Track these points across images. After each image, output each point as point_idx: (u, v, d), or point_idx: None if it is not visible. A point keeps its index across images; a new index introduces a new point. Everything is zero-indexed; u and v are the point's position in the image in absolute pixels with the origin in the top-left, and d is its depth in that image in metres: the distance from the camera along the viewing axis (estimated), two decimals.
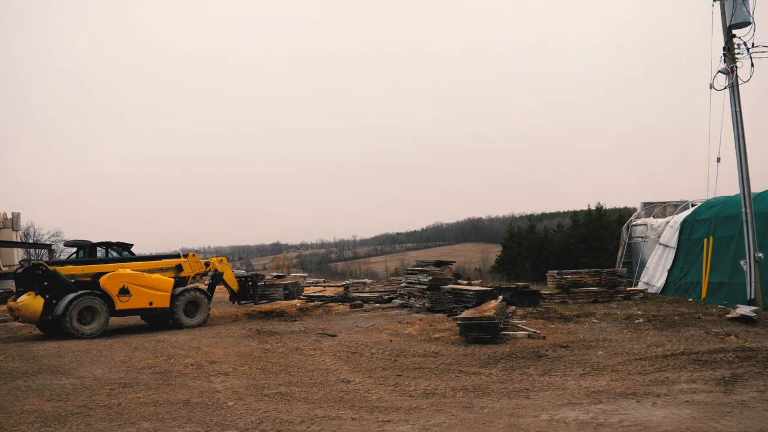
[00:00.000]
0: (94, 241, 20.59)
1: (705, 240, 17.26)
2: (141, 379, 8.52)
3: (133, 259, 15.96)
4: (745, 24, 13.85)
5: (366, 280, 30.96)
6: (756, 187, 15.10)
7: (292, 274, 33.16)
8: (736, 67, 13.95)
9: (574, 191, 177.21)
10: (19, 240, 35.12)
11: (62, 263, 14.68)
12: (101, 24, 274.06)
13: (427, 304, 15.59)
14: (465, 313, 11.65)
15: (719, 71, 14.23)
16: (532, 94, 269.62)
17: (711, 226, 17.38)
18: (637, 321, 12.72)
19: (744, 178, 14.00)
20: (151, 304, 13.67)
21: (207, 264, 16.07)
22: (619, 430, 5.56)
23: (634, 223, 23.40)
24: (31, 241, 48.46)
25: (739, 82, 13.98)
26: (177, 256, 15.44)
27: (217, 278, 16.42)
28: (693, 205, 20.65)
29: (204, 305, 14.63)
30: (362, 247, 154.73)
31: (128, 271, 13.73)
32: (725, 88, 14.18)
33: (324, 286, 25.93)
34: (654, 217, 22.77)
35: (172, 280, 14.31)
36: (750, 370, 7.95)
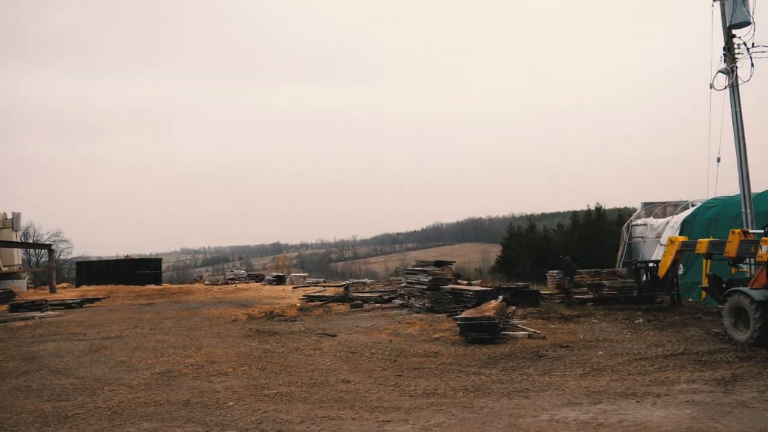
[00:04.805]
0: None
1: None
2: (141, 379, 8.52)
3: None
4: (745, 24, 13.85)
5: (366, 280, 30.97)
6: (756, 187, 15.10)
7: (291, 274, 33.19)
8: (736, 67, 13.95)
9: (574, 191, 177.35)
10: (19, 240, 35.09)
11: None
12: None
13: (427, 304, 15.59)
14: (465, 313, 11.66)
15: (719, 71, 14.23)
16: (532, 95, 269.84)
17: (711, 226, 17.36)
18: (637, 321, 12.72)
19: (744, 178, 13.99)
20: None
21: None
22: (619, 430, 5.56)
23: (634, 223, 23.37)
24: (31, 241, 48.45)
25: (739, 82, 13.98)
26: None
27: None
28: (693, 205, 20.62)
29: None
30: (362, 247, 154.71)
31: None
32: (725, 88, 14.18)
33: (324, 286, 25.94)
34: (654, 217, 22.74)
35: None
36: (750, 370, 7.95)
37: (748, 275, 11.56)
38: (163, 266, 45.99)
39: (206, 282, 36.00)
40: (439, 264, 17.85)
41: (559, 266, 16.79)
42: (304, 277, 31.89)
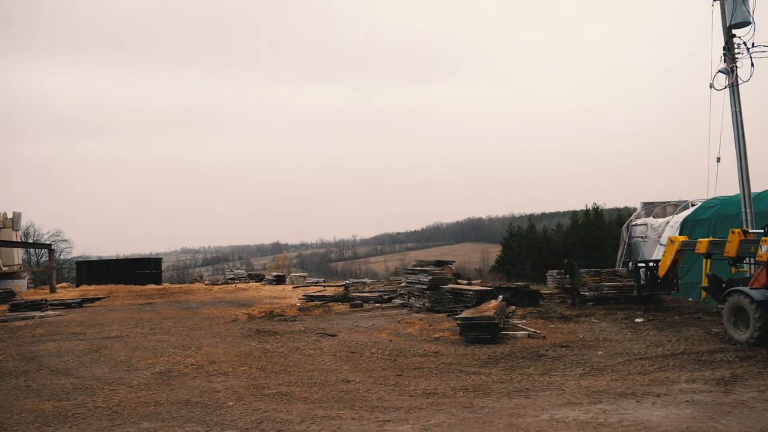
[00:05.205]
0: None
1: None
2: (141, 379, 8.52)
3: None
4: (745, 24, 13.84)
5: (366, 279, 30.91)
6: (756, 187, 15.09)
7: (291, 274, 33.18)
8: (736, 67, 13.94)
9: (574, 191, 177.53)
10: (19, 240, 35.08)
11: None
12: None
13: (427, 304, 15.58)
14: (465, 313, 11.65)
15: (719, 71, 14.22)
16: (532, 96, 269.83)
17: (711, 226, 17.35)
18: (637, 321, 12.72)
19: (744, 178, 13.98)
20: None
21: None
22: (619, 430, 5.56)
23: (634, 223, 23.36)
24: (31, 241, 48.45)
25: (739, 82, 13.96)
26: None
27: None
28: (693, 205, 20.62)
29: None
30: (362, 246, 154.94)
31: None
32: (725, 87, 14.16)
33: (324, 286, 25.93)
34: (654, 217, 22.73)
35: None
36: (750, 370, 7.95)
37: (748, 275, 11.57)
38: (163, 266, 45.96)
39: (206, 282, 35.97)
40: (439, 264, 17.84)
41: (565, 269, 16.71)
42: (304, 277, 31.87)
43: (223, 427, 6.09)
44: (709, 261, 12.32)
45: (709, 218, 17.84)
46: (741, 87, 14.02)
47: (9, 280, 29.23)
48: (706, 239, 12.50)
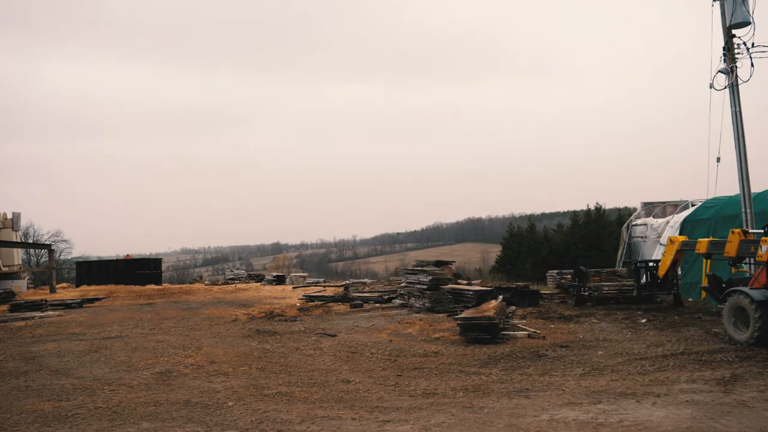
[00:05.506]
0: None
1: None
2: (141, 379, 8.52)
3: None
4: (745, 24, 13.84)
5: (366, 280, 30.93)
6: (756, 187, 15.09)
7: (291, 274, 33.18)
8: (736, 67, 13.94)
9: (574, 191, 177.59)
10: (19, 240, 35.07)
11: None
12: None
13: (427, 304, 15.58)
14: (465, 313, 11.65)
15: (719, 71, 14.22)
16: (531, 96, 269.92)
17: (711, 226, 17.35)
18: (641, 321, 12.71)
19: (744, 178, 13.98)
20: None
21: None
22: (619, 430, 5.56)
23: (634, 223, 23.37)
24: (31, 241, 48.45)
25: (739, 82, 13.96)
26: None
27: None
28: (693, 205, 20.62)
29: None
30: (362, 247, 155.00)
31: None
32: (725, 88, 14.16)
33: (324, 286, 25.93)
34: (654, 217, 22.73)
35: None
36: (750, 370, 7.94)
37: (748, 275, 11.57)
38: (163, 266, 45.96)
39: (206, 282, 35.96)
40: (439, 264, 17.84)
41: (573, 273, 16.75)
42: (304, 277, 31.88)
43: (223, 427, 6.09)
44: (709, 261, 12.32)
45: (709, 218, 17.84)
46: (741, 87, 14.03)
47: (9, 281, 29.24)
48: (706, 239, 12.51)
